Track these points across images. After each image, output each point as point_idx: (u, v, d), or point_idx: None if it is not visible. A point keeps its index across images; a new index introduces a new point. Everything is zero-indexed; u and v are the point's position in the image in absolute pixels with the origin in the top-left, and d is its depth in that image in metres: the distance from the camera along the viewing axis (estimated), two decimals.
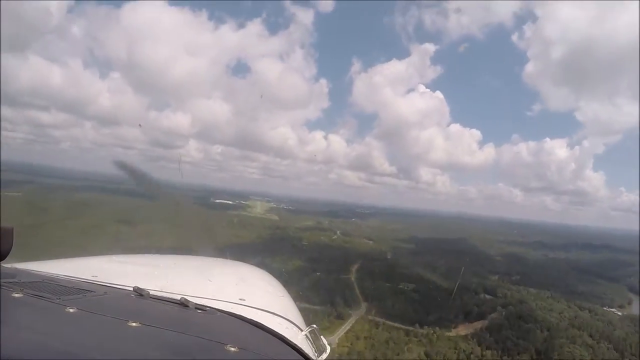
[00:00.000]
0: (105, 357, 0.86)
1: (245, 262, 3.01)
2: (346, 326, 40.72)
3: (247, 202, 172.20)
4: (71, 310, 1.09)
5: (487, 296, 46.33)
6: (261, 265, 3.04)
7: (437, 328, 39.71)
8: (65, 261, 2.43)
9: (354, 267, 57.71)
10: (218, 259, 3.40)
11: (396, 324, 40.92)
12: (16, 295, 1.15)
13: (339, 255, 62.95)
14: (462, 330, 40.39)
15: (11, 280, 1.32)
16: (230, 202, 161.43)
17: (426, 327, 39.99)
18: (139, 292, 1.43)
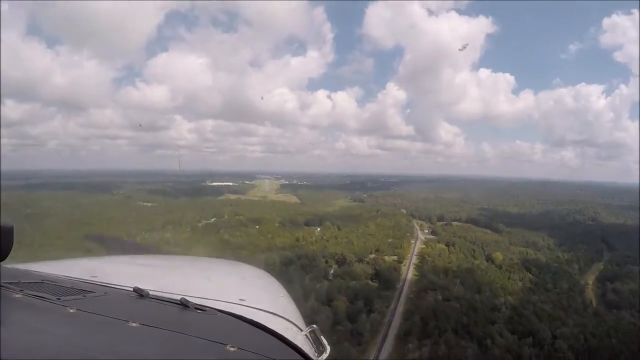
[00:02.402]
0: (105, 358, 0.87)
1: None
2: None
3: (252, 182, 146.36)
4: (71, 310, 1.10)
5: None
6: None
7: None
8: (66, 262, 2.44)
9: None
10: (218, 259, 3.67)
11: None
12: (16, 295, 1.17)
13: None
14: None
15: (11, 280, 1.33)
16: (230, 184, 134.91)
17: None
18: (139, 293, 1.44)
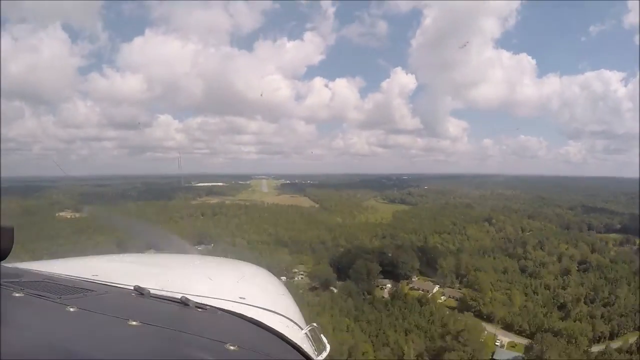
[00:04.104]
0: (105, 356, 0.87)
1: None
2: None
3: (247, 182, 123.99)
4: (72, 309, 1.10)
5: None
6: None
7: None
8: (66, 260, 2.44)
9: None
10: (218, 257, 3.64)
11: None
12: (17, 294, 1.17)
13: None
14: None
15: (12, 279, 1.34)
16: (219, 184, 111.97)
17: None
18: (140, 291, 1.45)
